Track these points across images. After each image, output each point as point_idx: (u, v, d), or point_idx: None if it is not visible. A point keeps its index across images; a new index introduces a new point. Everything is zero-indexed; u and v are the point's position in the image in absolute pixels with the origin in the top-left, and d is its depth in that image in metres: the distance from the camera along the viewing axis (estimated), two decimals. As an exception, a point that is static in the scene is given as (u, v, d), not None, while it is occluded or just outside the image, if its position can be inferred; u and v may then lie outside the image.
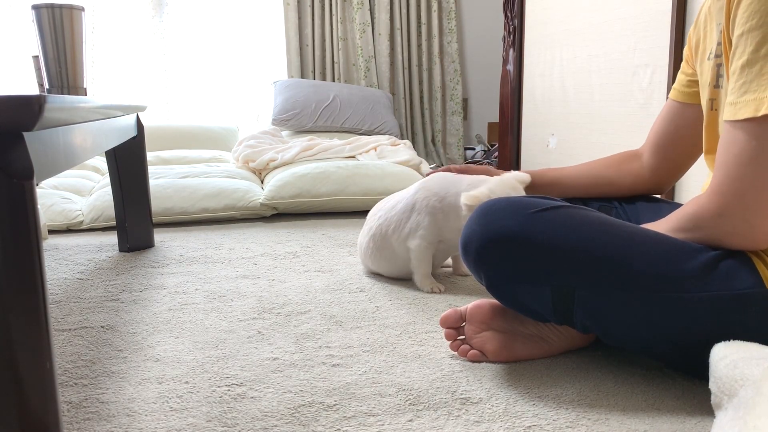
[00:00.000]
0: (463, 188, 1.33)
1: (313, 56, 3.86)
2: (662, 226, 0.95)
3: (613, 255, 0.88)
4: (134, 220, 1.84)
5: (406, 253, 1.43)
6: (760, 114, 0.78)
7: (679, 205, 1.18)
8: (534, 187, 1.30)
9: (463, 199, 1.23)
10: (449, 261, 1.61)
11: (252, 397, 0.92)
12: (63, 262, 1.73)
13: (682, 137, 1.16)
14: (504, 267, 0.93)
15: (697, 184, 1.80)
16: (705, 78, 1.02)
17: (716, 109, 0.95)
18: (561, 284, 0.90)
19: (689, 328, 0.86)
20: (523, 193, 1.27)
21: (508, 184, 1.27)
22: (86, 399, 0.93)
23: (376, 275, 1.55)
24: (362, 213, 2.31)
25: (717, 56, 0.97)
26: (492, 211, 0.95)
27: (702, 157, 1.09)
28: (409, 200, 1.42)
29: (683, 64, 1.13)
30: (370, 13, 3.89)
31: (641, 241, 0.89)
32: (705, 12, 1.02)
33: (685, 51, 1.12)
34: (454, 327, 1.05)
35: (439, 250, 1.43)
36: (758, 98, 0.78)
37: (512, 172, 1.32)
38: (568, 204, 0.96)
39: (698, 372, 0.89)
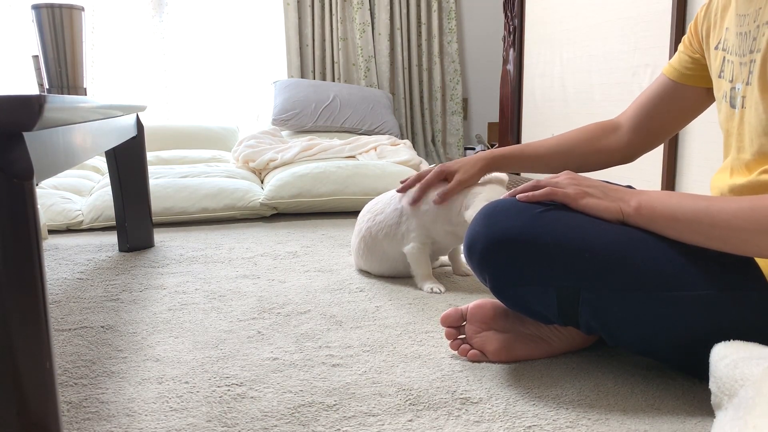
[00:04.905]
0: (453, 198, 1.36)
1: (313, 56, 3.86)
2: (733, 206, 0.80)
3: (618, 254, 0.88)
4: (134, 220, 1.84)
5: (398, 253, 1.44)
6: None
7: None
8: (507, 164, 1.32)
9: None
10: (446, 260, 1.61)
11: (252, 397, 0.92)
12: (63, 262, 1.73)
13: (669, 115, 1.14)
14: (509, 269, 0.92)
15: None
16: (713, 68, 1.00)
17: (746, 107, 0.90)
18: (566, 285, 0.89)
19: (693, 327, 0.86)
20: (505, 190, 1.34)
21: (497, 190, 1.33)
22: (86, 399, 0.93)
23: (376, 275, 1.55)
24: (362, 213, 2.31)
25: (724, 50, 0.96)
26: (496, 213, 0.94)
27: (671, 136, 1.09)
28: (396, 204, 1.43)
29: (686, 44, 1.09)
30: (370, 13, 3.89)
31: (643, 240, 0.89)
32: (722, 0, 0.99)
33: (690, 32, 1.07)
34: (455, 326, 1.05)
35: (432, 250, 1.45)
36: None
37: (481, 155, 1.35)
38: None
39: (701, 373, 0.89)
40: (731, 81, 0.93)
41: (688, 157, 1.86)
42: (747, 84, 0.89)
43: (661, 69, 1.16)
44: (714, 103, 1.09)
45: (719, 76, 0.98)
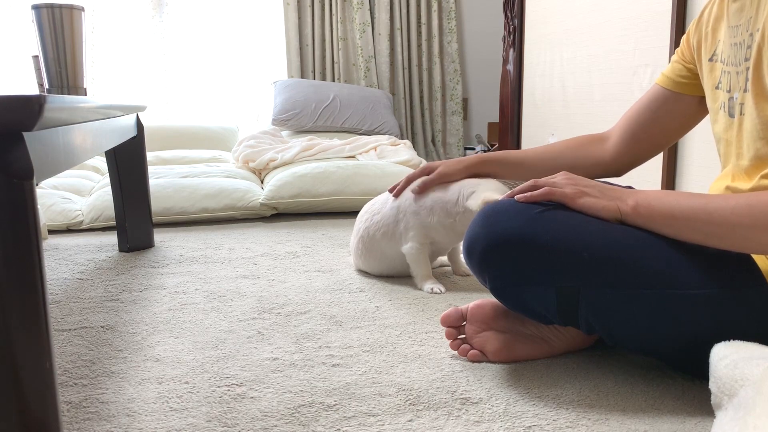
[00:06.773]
0: (450, 189, 1.36)
1: (313, 56, 3.86)
2: (731, 202, 0.81)
3: (617, 253, 0.88)
4: (134, 220, 1.84)
5: (396, 253, 1.44)
6: None
7: None
8: (493, 167, 1.33)
9: (480, 205, 1.24)
10: (446, 260, 1.61)
11: (252, 397, 0.92)
12: (63, 262, 1.73)
13: (660, 126, 1.14)
14: (509, 270, 0.92)
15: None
16: (708, 80, 1.01)
17: (744, 114, 0.90)
18: (566, 285, 0.89)
19: (692, 325, 0.86)
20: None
21: (495, 183, 1.34)
22: (86, 399, 0.93)
23: (375, 275, 1.55)
24: (362, 213, 2.31)
25: (721, 61, 0.96)
26: (494, 213, 0.94)
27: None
28: (393, 203, 1.43)
29: (680, 55, 1.09)
30: (370, 13, 3.89)
31: (642, 239, 0.89)
32: (713, 11, 1.00)
33: (683, 44, 1.09)
34: (455, 326, 1.05)
35: (431, 250, 1.45)
36: None
37: (467, 157, 1.36)
38: None
39: (701, 372, 0.89)
40: (728, 91, 0.94)
41: (689, 158, 1.86)
42: (744, 91, 0.90)
43: (661, 69, 1.16)
44: (703, 119, 1.10)
45: (716, 88, 0.98)
